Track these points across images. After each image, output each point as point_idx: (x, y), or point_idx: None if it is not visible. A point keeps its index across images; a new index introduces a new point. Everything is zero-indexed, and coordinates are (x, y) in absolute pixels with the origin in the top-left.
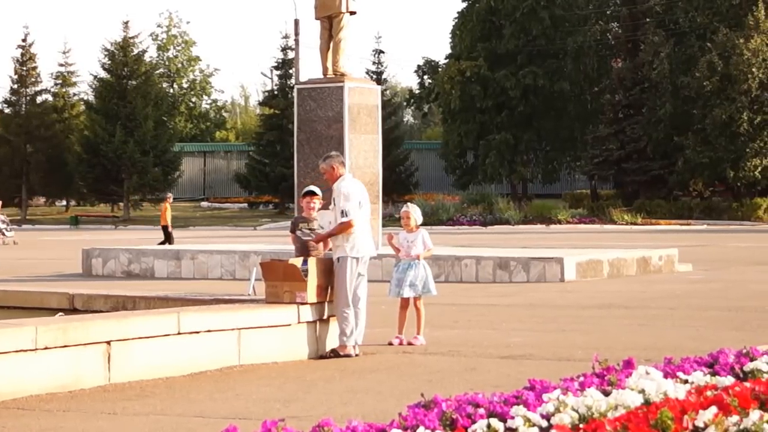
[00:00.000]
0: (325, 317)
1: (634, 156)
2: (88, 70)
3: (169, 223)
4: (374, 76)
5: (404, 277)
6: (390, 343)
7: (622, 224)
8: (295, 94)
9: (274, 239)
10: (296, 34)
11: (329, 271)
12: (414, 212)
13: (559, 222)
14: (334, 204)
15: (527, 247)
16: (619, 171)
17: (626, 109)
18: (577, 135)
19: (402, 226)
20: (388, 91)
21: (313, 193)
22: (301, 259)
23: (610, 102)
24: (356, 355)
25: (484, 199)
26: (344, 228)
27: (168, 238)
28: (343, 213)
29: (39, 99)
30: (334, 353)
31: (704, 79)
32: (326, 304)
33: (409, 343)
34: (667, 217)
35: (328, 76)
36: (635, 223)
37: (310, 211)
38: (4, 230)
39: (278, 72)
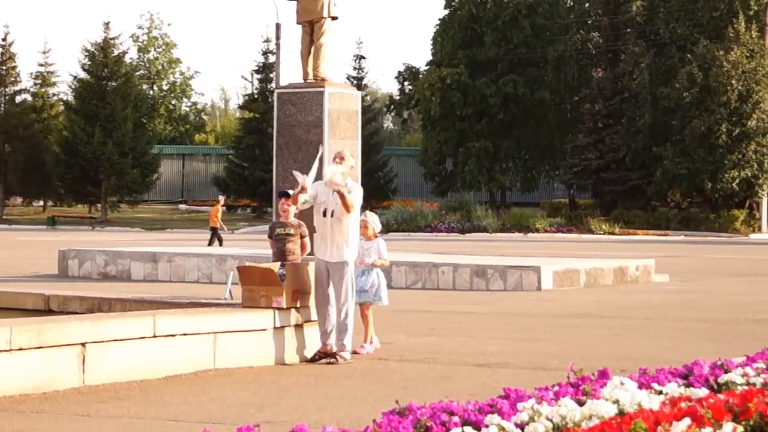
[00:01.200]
0: (301, 322)
1: (612, 166)
2: (68, 70)
3: (219, 225)
4: (355, 82)
5: (356, 283)
6: (366, 350)
7: (600, 234)
8: (275, 98)
9: (251, 243)
10: (277, 38)
11: (306, 277)
12: (372, 221)
13: (537, 231)
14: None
15: (505, 256)
16: (597, 180)
17: (606, 119)
18: (556, 144)
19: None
20: (368, 97)
21: (288, 196)
22: (278, 263)
23: (589, 111)
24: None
25: (463, 207)
26: (346, 202)
27: (213, 239)
28: (351, 206)
29: (18, 99)
30: (325, 357)
31: (684, 90)
32: (303, 309)
33: (355, 352)
34: (644, 227)
35: (308, 80)
36: (613, 233)
37: (286, 214)
38: None
39: (259, 76)
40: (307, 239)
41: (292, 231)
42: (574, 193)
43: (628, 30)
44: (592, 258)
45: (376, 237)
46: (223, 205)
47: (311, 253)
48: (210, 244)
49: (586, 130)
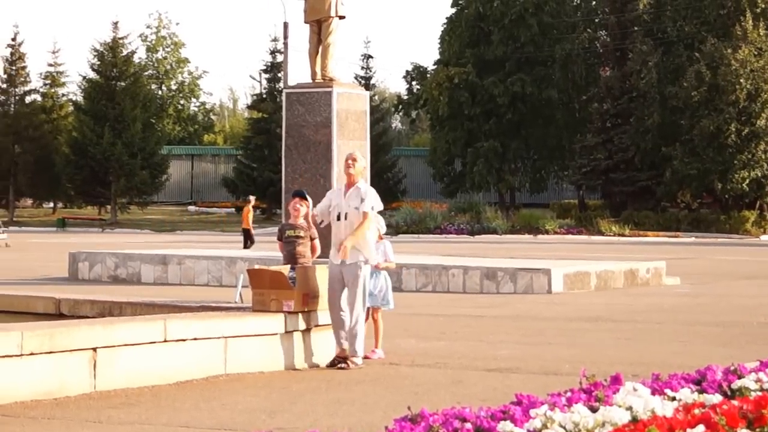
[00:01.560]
0: (312, 327)
1: (621, 166)
2: (77, 70)
3: (251, 226)
4: (363, 82)
5: None
6: (377, 355)
7: (610, 235)
8: (283, 98)
9: (261, 245)
10: (285, 37)
11: (317, 280)
12: (377, 223)
13: (547, 232)
14: (357, 199)
15: (514, 258)
16: (606, 181)
17: (614, 119)
18: (564, 144)
19: None
20: (376, 97)
21: (302, 196)
22: (288, 266)
23: (598, 111)
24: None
25: (472, 208)
26: (365, 221)
27: (248, 241)
28: (372, 207)
29: (28, 99)
30: (344, 361)
31: (692, 89)
32: (313, 313)
33: (366, 357)
34: (654, 228)
35: (316, 80)
36: (623, 235)
37: (297, 214)
38: None
39: (267, 75)
40: (317, 241)
41: (302, 233)
42: (584, 194)
43: (636, 28)
44: (603, 260)
45: (381, 239)
46: (254, 206)
47: (321, 256)
48: (245, 246)
49: (595, 130)
